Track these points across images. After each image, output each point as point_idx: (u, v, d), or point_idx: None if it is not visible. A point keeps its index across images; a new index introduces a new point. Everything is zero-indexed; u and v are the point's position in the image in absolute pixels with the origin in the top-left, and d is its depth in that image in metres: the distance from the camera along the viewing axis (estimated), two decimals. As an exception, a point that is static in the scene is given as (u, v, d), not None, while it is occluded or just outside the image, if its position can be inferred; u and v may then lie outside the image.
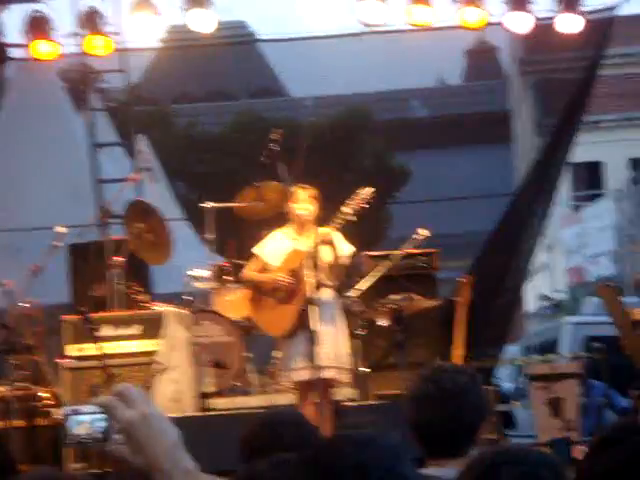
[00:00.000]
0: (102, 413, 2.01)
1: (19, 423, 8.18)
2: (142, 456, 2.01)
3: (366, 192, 7.81)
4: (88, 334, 7.66)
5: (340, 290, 8.18)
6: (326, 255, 7.78)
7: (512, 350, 15.82)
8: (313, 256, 7.71)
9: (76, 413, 2.04)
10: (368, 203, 7.83)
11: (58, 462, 7.77)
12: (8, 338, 8.12)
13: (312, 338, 7.38)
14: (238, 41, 20.62)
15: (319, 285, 7.75)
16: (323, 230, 7.74)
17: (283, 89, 40.99)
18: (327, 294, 7.84)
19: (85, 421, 2.03)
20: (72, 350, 8.12)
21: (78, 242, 9.53)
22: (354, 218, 7.74)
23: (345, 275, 8.07)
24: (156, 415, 2.03)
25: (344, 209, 7.74)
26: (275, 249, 7.98)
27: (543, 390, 9.00)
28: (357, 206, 7.76)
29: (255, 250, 8.08)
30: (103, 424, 2.01)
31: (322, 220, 7.95)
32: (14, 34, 11.01)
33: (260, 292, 7.98)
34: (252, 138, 23.71)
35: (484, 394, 3.52)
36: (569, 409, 8.92)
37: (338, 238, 7.82)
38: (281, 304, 7.84)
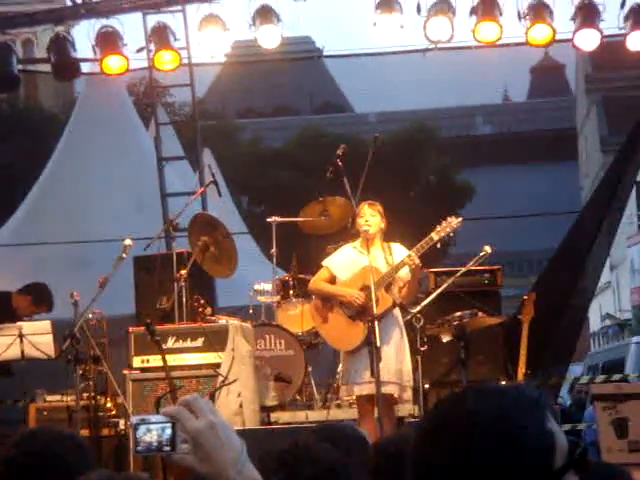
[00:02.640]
0: (169, 422, 2.05)
1: (84, 433, 8.28)
2: (208, 465, 2.04)
3: (455, 221, 7.83)
4: (153, 346, 7.73)
5: (404, 306, 8.17)
6: (402, 276, 7.78)
7: (577, 369, 15.66)
8: (390, 279, 7.72)
9: (144, 422, 2.07)
10: (455, 232, 7.85)
11: (121, 472, 7.85)
12: (75, 348, 8.22)
13: (376, 353, 7.37)
14: (303, 57, 20.74)
15: (392, 302, 7.76)
16: (410, 254, 7.74)
17: (347, 105, 41.08)
18: (392, 309, 7.83)
19: (153, 430, 2.06)
20: (137, 361, 8.21)
21: (144, 254, 9.63)
22: (439, 245, 7.77)
23: (415, 289, 8.05)
24: (222, 425, 2.06)
25: (432, 235, 7.76)
26: (345, 262, 7.98)
27: (608, 410, 8.89)
28: (445, 234, 7.78)
29: (325, 262, 8.09)
30: (170, 433, 2.04)
31: (388, 234, 7.96)
32: (83, 49, 11.20)
33: (327, 306, 7.98)
34: (315, 153, 23.81)
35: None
36: (635, 430, 8.80)
37: (404, 252, 7.81)
38: (350, 319, 7.84)
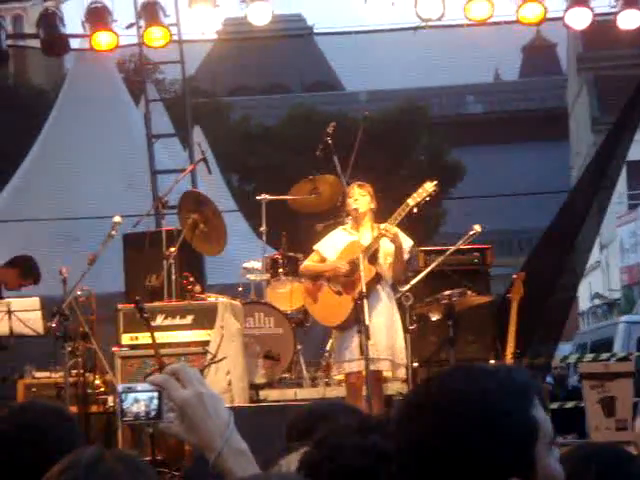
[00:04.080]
0: (156, 391, 2.04)
1: (72, 409, 8.27)
2: (195, 435, 2.04)
3: (430, 185, 7.76)
4: (142, 323, 7.72)
5: (394, 284, 8.16)
6: (387, 249, 7.76)
7: (565, 348, 15.70)
8: (373, 250, 7.69)
9: (131, 391, 2.06)
10: (431, 196, 7.78)
11: (110, 448, 7.84)
12: (63, 325, 8.21)
13: (365, 331, 7.37)
14: (294, 34, 20.69)
15: (378, 279, 7.74)
16: (386, 225, 7.71)
17: (338, 83, 40.97)
18: (383, 288, 7.83)
19: (139, 399, 2.05)
20: (126, 339, 8.20)
21: (133, 232, 9.60)
22: (416, 210, 7.69)
23: (403, 266, 8.03)
24: (210, 395, 2.06)
25: (408, 201, 7.69)
26: (334, 243, 7.97)
27: (596, 389, 8.92)
28: (421, 199, 7.72)
29: (316, 246, 8.08)
30: (157, 402, 2.03)
31: (378, 214, 7.93)
32: (73, 25, 11.12)
33: (317, 282, 7.98)
34: (306, 131, 23.75)
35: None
36: (622, 408, 8.83)
37: (399, 233, 7.79)
38: (337, 295, 7.84)
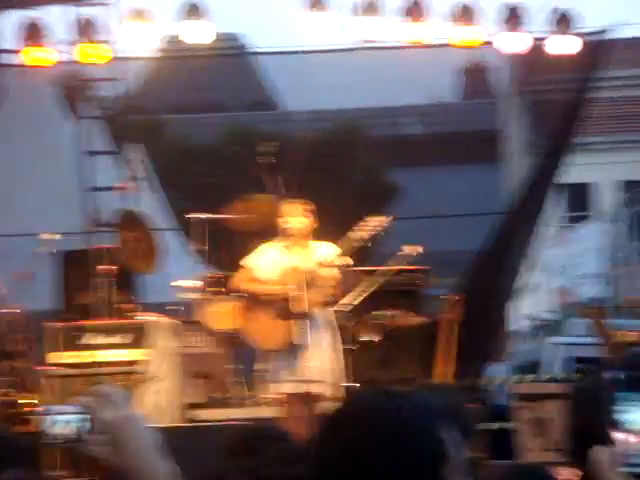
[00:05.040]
0: (82, 413, 2.02)
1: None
2: (120, 457, 2.02)
3: (379, 220, 7.82)
4: (73, 342, 7.64)
5: (330, 304, 8.17)
6: (322, 270, 7.78)
7: (498, 369, 15.80)
8: (309, 272, 7.71)
9: (55, 412, 2.04)
10: (380, 231, 7.84)
11: (37, 469, 7.73)
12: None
13: (300, 352, 7.36)
14: (233, 53, 20.67)
15: (314, 302, 7.75)
16: (319, 245, 7.73)
17: (277, 102, 41.05)
18: (321, 309, 7.83)
19: (64, 420, 2.03)
20: (55, 357, 8.09)
21: (66, 250, 9.50)
22: (365, 244, 7.75)
23: (339, 290, 8.06)
24: (136, 417, 2.04)
25: (356, 235, 7.74)
26: (268, 263, 7.96)
27: (527, 410, 8.99)
28: (368, 234, 7.77)
29: (244, 262, 8.07)
30: (82, 424, 2.01)
31: (318, 233, 7.95)
32: (9, 40, 11.02)
33: (254, 305, 7.96)
34: (245, 150, 23.72)
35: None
36: (552, 429, 8.91)
37: (333, 252, 7.81)
38: (274, 318, 7.83)
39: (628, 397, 8.43)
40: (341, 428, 1.78)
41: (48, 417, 2.03)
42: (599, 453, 1.81)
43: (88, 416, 2.01)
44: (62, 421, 2.02)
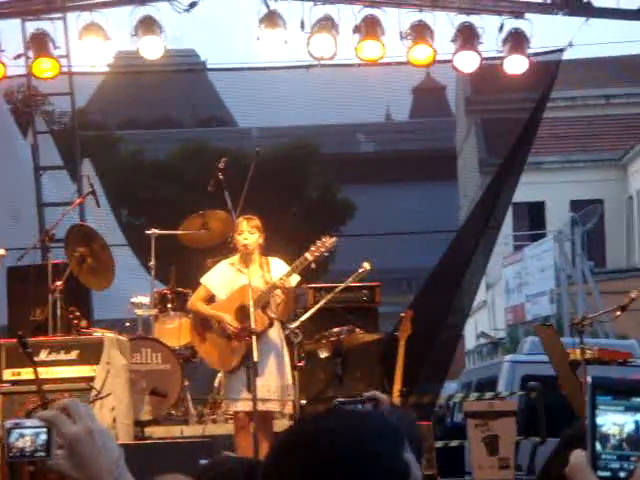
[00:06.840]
0: (45, 427, 1.99)
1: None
2: (84, 472, 1.99)
3: (329, 241, 7.84)
4: (25, 358, 7.55)
5: (280, 321, 8.17)
6: (272, 288, 7.78)
7: (451, 387, 15.86)
8: (259, 290, 7.71)
9: (18, 427, 2.01)
10: (329, 251, 7.88)
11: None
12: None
13: (252, 370, 7.35)
14: (187, 69, 20.63)
15: (265, 320, 7.75)
16: (270, 261, 7.74)
17: (230, 118, 40.97)
18: (269, 326, 7.83)
19: (27, 435, 1.99)
20: (8, 374, 8.00)
21: (18, 265, 9.42)
22: (314, 265, 7.78)
23: (289, 307, 8.06)
24: (100, 431, 2.01)
25: (306, 255, 7.76)
26: (223, 281, 7.95)
27: (480, 428, 9.03)
28: (319, 254, 7.79)
29: (202, 280, 8.05)
30: (45, 438, 1.98)
31: (269, 249, 7.95)
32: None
33: (206, 325, 7.95)
34: (198, 166, 23.65)
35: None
36: (505, 447, 8.95)
37: (283, 269, 7.83)
38: (227, 339, 7.82)
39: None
40: (294, 453, 1.73)
41: (13, 431, 2.00)
42: (578, 457, 1.82)
43: (53, 430, 1.98)
44: (28, 435, 1.99)
